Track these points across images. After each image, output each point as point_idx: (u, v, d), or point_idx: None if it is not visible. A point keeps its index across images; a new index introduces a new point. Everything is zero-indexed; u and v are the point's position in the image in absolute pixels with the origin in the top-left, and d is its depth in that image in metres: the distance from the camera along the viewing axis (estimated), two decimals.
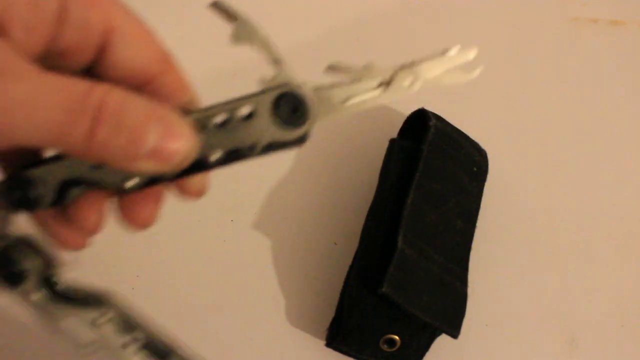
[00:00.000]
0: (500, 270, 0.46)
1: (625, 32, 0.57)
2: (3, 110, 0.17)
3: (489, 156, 0.47)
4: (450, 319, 0.40)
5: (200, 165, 0.22)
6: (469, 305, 0.41)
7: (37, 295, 0.23)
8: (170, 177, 0.22)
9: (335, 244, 0.47)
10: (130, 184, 0.22)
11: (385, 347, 0.40)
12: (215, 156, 0.22)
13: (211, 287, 0.45)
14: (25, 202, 0.22)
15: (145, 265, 0.46)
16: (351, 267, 0.43)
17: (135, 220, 0.23)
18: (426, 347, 0.41)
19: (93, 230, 0.23)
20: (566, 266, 0.46)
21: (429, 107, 0.46)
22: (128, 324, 0.24)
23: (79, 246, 0.24)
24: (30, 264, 0.23)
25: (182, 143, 0.20)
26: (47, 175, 0.21)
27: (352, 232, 0.45)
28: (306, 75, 0.58)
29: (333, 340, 0.41)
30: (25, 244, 0.23)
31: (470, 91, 0.54)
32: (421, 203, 0.41)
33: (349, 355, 0.42)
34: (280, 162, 0.50)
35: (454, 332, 0.40)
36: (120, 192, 0.23)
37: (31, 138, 0.18)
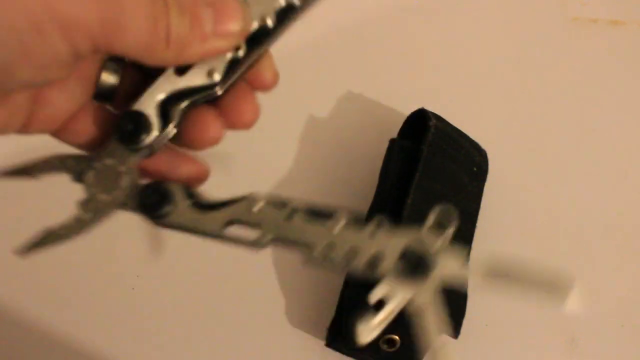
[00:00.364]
0: None
1: (625, 32, 0.57)
2: (121, 10, 0.20)
3: (489, 156, 0.47)
4: (450, 319, 0.40)
5: (263, 34, 0.24)
6: (469, 305, 0.41)
7: (189, 213, 0.24)
8: (244, 57, 0.24)
9: None
10: (216, 76, 0.24)
11: (385, 347, 0.40)
12: (270, 21, 0.24)
13: (211, 287, 0.45)
14: (139, 133, 0.24)
15: (145, 265, 0.46)
16: None
17: (241, 120, 0.25)
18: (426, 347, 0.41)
19: (214, 143, 0.25)
20: (566, 266, 0.46)
21: (429, 107, 0.46)
22: (280, 202, 0.24)
23: (204, 176, 0.26)
24: (173, 189, 0.24)
25: (233, 11, 0.22)
26: (146, 103, 0.24)
27: None
28: (306, 76, 0.58)
29: (333, 340, 0.41)
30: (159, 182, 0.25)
31: (470, 91, 0.54)
32: (421, 203, 0.41)
33: (349, 355, 0.42)
34: (280, 162, 0.50)
35: (454, 332, 0.40)
36: (213, 93, 0.24)
37: (133, 42, 0.21)
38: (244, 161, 0.49)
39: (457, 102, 0.52)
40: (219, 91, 0.24)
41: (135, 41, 0.21)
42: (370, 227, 0.24)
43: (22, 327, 0.44)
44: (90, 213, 0.24)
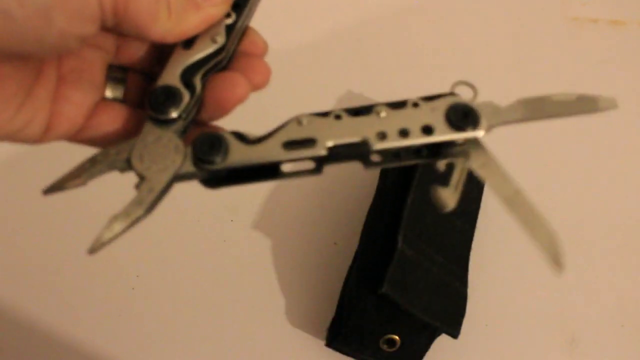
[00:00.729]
0: (500, 270, 0.46)
1: (625, 32, 0.57)
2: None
3: None
4: (450, 319, 0.40)
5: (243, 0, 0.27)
6: (469, 305, 0.41)
7: (245, 149, 0.24)
8: (235, 22, 0.26)
9: (335, 244, 0.47)
10: (220, 39, 0.26)
11: (385, 347, 0.40)
12: None
13: (211, 287, 0.45)
14: (172, 102, 0.25)
15: (145, 265, 0.46)
16: (351, 267, 0.43)
17: (256, 77, 0.26)
18: (426, 347, 0.41)
19: (241, 100, 0.26)
20: (566, 266, 0.46)
21: None
22: (323, 112, 0.25)
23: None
24: (222, 134, 0.25)
25: None
26: (168, 78, 0.25)
27: (352, 232, 0.45)
28: (306, 76, 0.58)
29: (333, 340, 0.41)
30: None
31: (470, 91, 0.54)
32: (421, 203, 0.41)
33: (349, 355, 0.42)
34: None
35: (454, 332, 0.40)
36: (223, 57, 0.26)
37: (143, 9, 0.23)
38: None
39: None
40: (226, 55, 0.26)
41: (145, 9, 0.23)
42: (410, 104, 0.25)
43: (22, 327, 0.44)
44: (148, 191, 0.24)
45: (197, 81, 0.25)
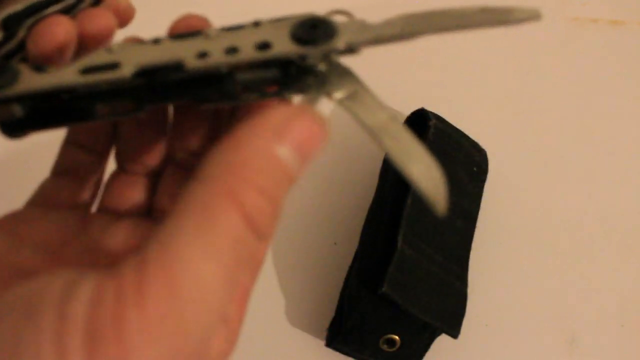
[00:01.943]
0: (500, 270, 0.46)
1: (625, 32, 0.57)
2: None
3: (489, 156, 0.47)
4: (450, 319, 0.40)
5: None
6: (469, 305, 0.41)
7: (37, 76, 0.22)
8: None
9: (335, 244, 0.47)
10: None
11: (385, 347, 0.40)
12: None
13: None
14: None
15: None
16: (351, 267, 0.43)
17: (95, 29, 0.24)
18: (426, 347, 0.41)
19: (61, 40, 0.23)
20: (566, 266, 0.46)
21: (429, 107, 0.46)
22: (140, 39, 0.22)
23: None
24: (16, 64, 0.22)
25: None
26: None
27: (352, 232, 0.45)
28: None
29: (333, 340, 0.41)
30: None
31: (470, 91, 0.54)
32: (421, 203, 0.41)
33: (349, 355, 0.42)
34: None
35: (454, 332, 0.40)
36: (62, 8, 0.24)
37: None
38: None
39: (457, 102, 0.52)
40: (70, 6, 0.24)
41: None
42: (249, 25, 0.21)
43: None
44: None
45: (23, 30, 0.23)
